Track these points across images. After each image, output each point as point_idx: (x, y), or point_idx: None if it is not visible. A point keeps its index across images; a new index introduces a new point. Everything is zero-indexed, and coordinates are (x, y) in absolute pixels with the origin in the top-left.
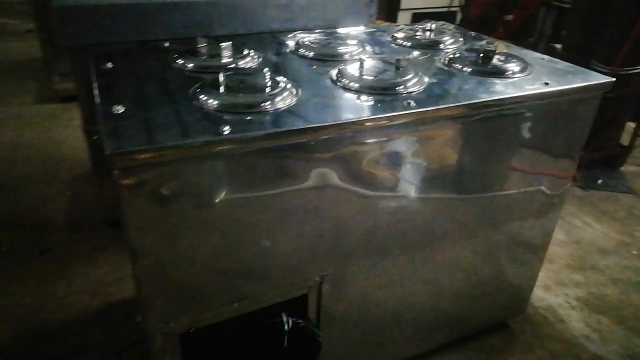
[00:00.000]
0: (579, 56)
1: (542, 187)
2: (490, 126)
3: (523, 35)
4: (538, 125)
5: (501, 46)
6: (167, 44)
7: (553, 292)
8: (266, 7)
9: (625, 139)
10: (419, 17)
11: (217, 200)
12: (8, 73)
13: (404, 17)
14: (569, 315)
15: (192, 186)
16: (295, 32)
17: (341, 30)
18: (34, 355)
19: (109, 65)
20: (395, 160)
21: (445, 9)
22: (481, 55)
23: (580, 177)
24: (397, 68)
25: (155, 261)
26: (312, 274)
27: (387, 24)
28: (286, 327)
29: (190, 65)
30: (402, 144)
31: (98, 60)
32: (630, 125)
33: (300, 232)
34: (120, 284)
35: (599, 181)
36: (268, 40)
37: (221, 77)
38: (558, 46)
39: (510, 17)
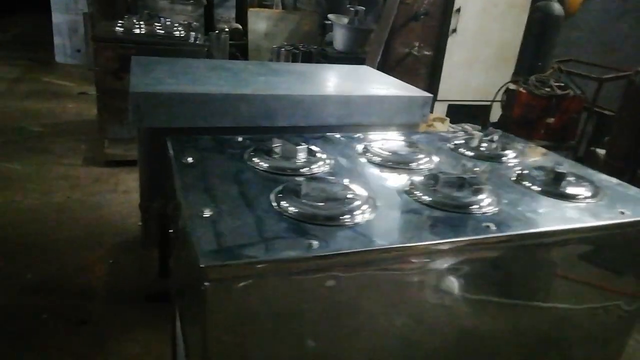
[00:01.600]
0: (625, 164)
1: (610, 313)
2: (561, 252)
3: (564, 138)
4: (612, 252)
5: (568, 165)
6: (240, 139)
7: None
8: (326, 103)
9: None
10: (454, 109)
11: (297, 319)
12: (61, 134)
13: (440, 108)
14: None
15: (275, 302)
16: (358, 134)
17: (400, 135)
18: None
19: (190, 160)
20: (470, 283)
21: (483, 103)
22: (552, 176)
23: None
24: (471, 185)
25: None
26: None
27: (433, 119)
28: None
29: (266, 165)
30: (480, 266)
31: (177, 154)
32: None
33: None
34: None
35: None
36: (335, 141)
37: (304, 187)
38: (600, 151)
39: (552, 120)
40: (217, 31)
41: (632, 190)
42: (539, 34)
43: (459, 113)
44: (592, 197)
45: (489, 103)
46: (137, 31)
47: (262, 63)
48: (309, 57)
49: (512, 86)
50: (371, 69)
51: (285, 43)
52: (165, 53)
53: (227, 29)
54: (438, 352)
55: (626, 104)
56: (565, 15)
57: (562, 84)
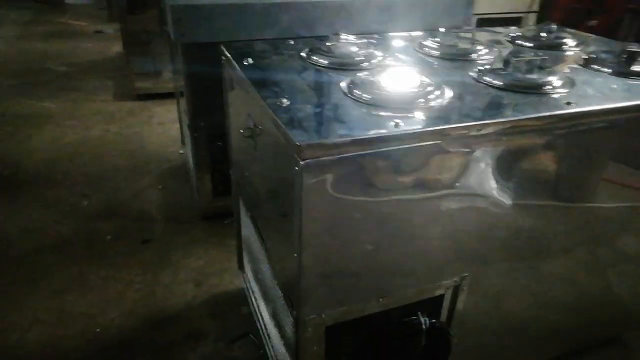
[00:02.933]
0: None
1: None
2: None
3: None
4: None
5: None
6: (292, 42)
7: None
8: (367, 8)
9: None
10: (484, 23)
11: (382, 197)
12: (86, 72)
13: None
14: None
15: (364, 181)
16: (408, 33)
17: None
18: (150, 339)
19: (250, 60)
20: (546, 163)
21: (513, 15)
22: (624, 56)
23: None
24: (541, 67)
25: (320, 252)
26: (452, 275)
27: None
28: (424, 326)
29: (325, 62)
30: (556, 146)
31: (236, 57)
32: None
33: (445, 235)
34: (222, 276)
35: None
36: (388, 40)
37: (370, 76)
38: None
39: (594, 22)
40: None
41: None
42: None
43: (484, 27)
44: None
45: (521, 14)
46: None
47: None
48: None
49: None
50: None
51: None
52: None
53: None
54: (503, 242)
55: None
56: None
57: None
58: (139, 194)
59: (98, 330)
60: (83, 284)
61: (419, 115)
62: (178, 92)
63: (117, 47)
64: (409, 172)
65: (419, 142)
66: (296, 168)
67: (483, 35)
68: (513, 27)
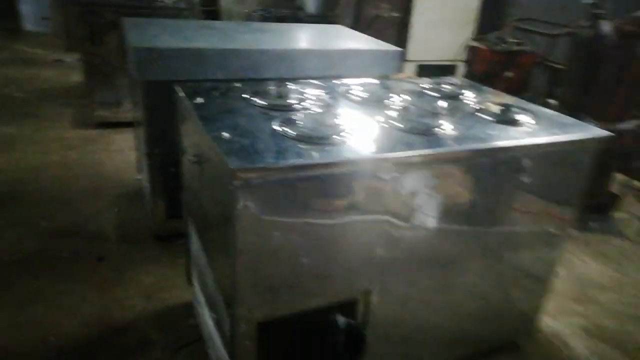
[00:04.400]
0: (572, 111)
1: (548, 227)
2: (506, 168)
3: (521, 91)
4: (544, 170)
5: (510, 100)
6: (238, 85)
7: (558, 320)
8: (308, 56)
9: (614, 189)
10: (422, 69)
11: (302, 215)
12: (45, 99)
13: (409, 68)
14: (572, 341)
15: (287, 200)
16: (341, 80)
17: (379, 81)
18: (104, 347)
19: (200, 99)
20: (429, 194)
21: (449, 63)
22: (502, 107)
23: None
24: (434, 114)
25: (252, 259)
26: (364, 282)
27: (405, 75)
28: (341, 326)
29: (264, 103)
30: (439, 179)
31: (188, 96)
32: (619, 176)
33: (357, 249)
34: (171, 291)
35: (593, 224)
36: (320, 86)
37: (298, 115)
38: (552, 101)
39: (510, 74)
40: None
41: (568, 119)
42: None
43: (427, 73)
44: (534, 124)
45: (454, 62)
46: None
47: (245, 23)
48: (281, 21)
49: (473, 43)
50: (345, 27)
51: (258, 7)
52: (149, 16)
53: None
54: (406, 257)
55: (572, 57)
56: None
57: (518, 41)
58: (96, 215)
59: (52, 338)
60: (40, 297)
61: (333, 149)
62: (136, 122)
63: (75, 76)
64: (324, 195)
65: (330, 170)
66: (231, 187)
67: (402, 85)
68: (428, 79)
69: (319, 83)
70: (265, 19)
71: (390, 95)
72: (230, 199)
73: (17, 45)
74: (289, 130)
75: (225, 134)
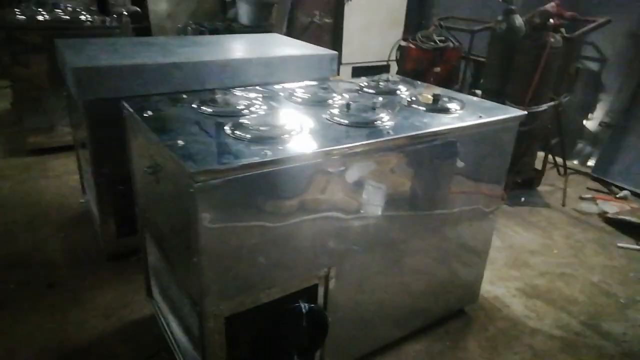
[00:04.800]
0: (495, 99)
1: (481, 204)
2: (440, 152)
3: (449, 84)
4: (474, 151)
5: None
6: (185, 96)
7: (497, 285)
8: (249, 65)
9: (538, 165)
10: (357, 70)
11: (258, 209)
12: None
13: (345, 71)
14: (511, 301)
15: (243, 197)
16: (282, 84)
17: (318, 83)
18: None
19: (150, 112)
20: (374, 182)
21: (382, 63)
22: (433, 98)
23: (507, 197)
24: (374, 108)
25: (215, 257)
26: (321, 267)
27: (339, 77)
28: (304, 311)
29: (212, 110)
30: (380, 166)
31: (137, 111)
32: (541, 154)
33: (313, 236)
34: (130, 307)
35: (522, 199)
36: (263, 92)
37: (247, 120)
38: (478, 91)
39: (438, 69)
40: (115, 15)
41: (488, 103)
42: None
43: (362, 74)
44: (460, 109)
45: (386, 62)
46: (42, 18)
47: (181, 37)
48: (215, 34)
49: (403, 43)
50: (281, 35)
51: (191, 22)
52: (79, 37)
53: (125, 12)
54: (359, 238)
55: (491, 49)
56: None
57: (443, 38)
58: (40, 243)
59: None
60: None
61: (284, 146)
62: (79, 143)
63: (1, 104)
64: (278, 190)
65: (280, 166)
66: (191, 190)
67: (341, 85)
68: (364, 77)
69: (262, 89)
70: (199, 32)
71: (331, 95)
72: (189, 201)
73: None
74: (240, 133)
75: (180, 142)
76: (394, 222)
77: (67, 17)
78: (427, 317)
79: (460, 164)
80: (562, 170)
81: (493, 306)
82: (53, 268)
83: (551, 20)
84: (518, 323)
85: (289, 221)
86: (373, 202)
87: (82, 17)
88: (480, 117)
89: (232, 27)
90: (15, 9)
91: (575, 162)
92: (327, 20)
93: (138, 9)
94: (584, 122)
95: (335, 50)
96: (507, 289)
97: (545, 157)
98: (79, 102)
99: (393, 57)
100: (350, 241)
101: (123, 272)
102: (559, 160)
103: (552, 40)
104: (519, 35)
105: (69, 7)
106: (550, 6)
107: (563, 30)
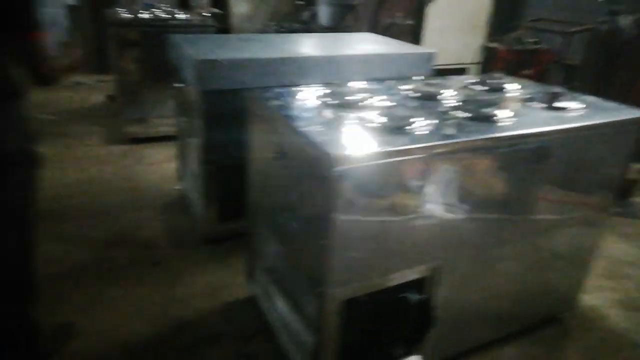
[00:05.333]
0: None
1: (590, 212)
2: (558, 152)
3: None
4: (593, 153)
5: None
6: (301, 88)
7: (593, 295)
8: (352, 61)
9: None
10: (437, 73)
11: (391, 195)
12: (72, 120)
13: None
14: (608, 313)
15: (377, 184)
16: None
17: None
18: (173, 344)
19: (278, 102)
20: (496, 178)
21: (460, 66)
22: (550, 95)
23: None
24: (494, 104)
25: (345, 241)
26: (433, 260)
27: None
28: (413, 301)
29: (336, 102)
30: (503, 164)
31: (264, 100)
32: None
33: (429, 229)
34: (231, 288)
35: (617, 209)
36: (374, 87)
37: (374, 110)
38: None
39: (528, 72)
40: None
41: (608, 104)
42: None
43: (439, 76)
44: (582, 108)
45: (467, 65)
46: (145, 16)
47: (281, 35)
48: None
49: (491, 45)
50: (376, 35)
51: (270, 22)
52: (178, 33)
53: (206, 14)
54: (471, 236)
55: (589, 52)
56: None
57: (535, 40)
58: (142, 225)
59: (124, 338)
60: (103, 302)
61: (416, 136)
62: (185, 133)
63: (96, 97)
64: (409, 178)
65: (413, 155)
66: (330, 175)
67: (446, 82)
68: (469, 76)
69: (369, 85)
70: (280, 33)
71: (442, 91)
72: (326, 187)
73: None
74: (372, 123)
75: (315, 128)
76: (503, 224)
77: (167, 15)
78: (523, 322)
79: (577, 166)
80: None
81: (590, 316)
82: (156, 248)
83: None
84: (618, 335)
85: (415, 210)
86: (489, 202)
87: (178, 16)
88: (606, 116)
89: (311, 28)
90: (118, 8)
91: None
92: (408, 22)
93: (219, 11)
94: None
95: None
96: (604, 299)
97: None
98: (195, 93)
99: (474, 59)
100: (461, 238)
101: (220, 256)
102: None
103: None
104: (624, 37)
105: (163, 6)
106: None
107: None
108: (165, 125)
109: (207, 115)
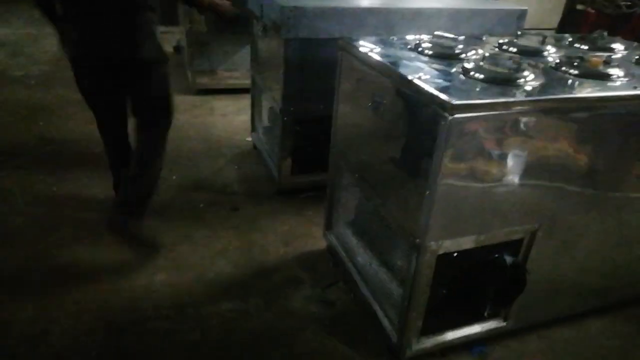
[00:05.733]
0: None
1: None
2: None
3: None
4: None
5: None
6: (395, 39)
7: None
8: (439, 15)
9: None
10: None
11: (494, 152)
12: None
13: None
14: None
15: (486, 137)
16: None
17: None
18: (258, 284)
19: (377, 50)
20: (611, 135)
21: (551, 29)
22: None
23: None
24: (607, 62)
25: (447, 194)
26: (531, 222)
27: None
28: (507, 263)
29: (432, 52)
30: (621, 120)
31: (360, 50)
32: None
33: (530, 189)
34: (305, 239)
35: None
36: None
37: (473, 63)
38: None
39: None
40: None
41: None
42: None
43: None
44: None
45: (547, 31)
46: None
47: None
48: None
49: (579, 7)
50: None
51: None
52: None
53: None
54: (572, 199)
55: None
56: None
57: (629, 3)
58: (219, 172)
59: (212, 275)
60: (190, 240)
61: (524, 90)
62: (260, 84)
63: (166, 47)
64: (518, 132)
65: (527, 108)
66: (443, 123)
67: (548, 39)
68: (568, 35)
69: (465, 38)
70: None
71: (542, 47)
72: (440, 132)
73: None
74: (474, 74)
75: (422, 75)
76: (601, 196)
77: None
78: (614, 297)
79: None
80: None
81: None
82: (233, 194)
83: None
84: None
85: (520, 166)
86: (592, 170)
87: None
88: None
89: None
90: None
91: None
92: None
93: None
94: None
95: None
96: None
97: None
98: (277, 41)
99: (555, 23)
100: (559, 205)
101: (294, 207)
102: None
103: None
104: None
105: None
106: None
107: None
108: (234, 78)
109: (289, 64)
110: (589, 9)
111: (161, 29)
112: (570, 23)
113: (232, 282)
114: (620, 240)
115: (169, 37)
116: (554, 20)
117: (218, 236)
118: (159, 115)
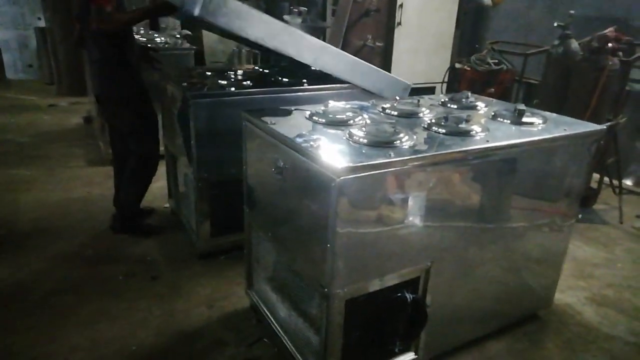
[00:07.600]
0: None
1: (559, 218)
2: (526, 163)
3: None
4: (557, 164)
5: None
6: (292, 109)
7: (566, 294)
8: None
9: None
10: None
11: (385, 202)
12: (50, 142)
13: None
14: (582, 309)
15: (371, 193)
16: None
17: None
18: (180, 352)
19: (273, 121)
20: (474, 187)
21: (430, 84)
22: (516, 112)
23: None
24: (467, 121)
25: (345, 245)
26: (425, 260)
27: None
28: (408, 300)
29: (324, 120)
30: (478, 174)
31: (261, 121)
32: (596, 174)
33: (421, 232)
34: (229, 299)
35: (579, 216)
36: (365, 107)
37: (359, 129)
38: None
39: (491, 90)
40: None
41: (567, 119)
42: (474, 21)
43: (410, 94)
44: (543, 123)
45: (435, 84)
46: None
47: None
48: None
49: (457, 65)
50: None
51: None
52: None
53: (178, 35)
54: (458, 238)
55: (546, 72)
56: (493, 5)
57: (497, 61)
58: (136, 242)
59: (134, 348)
60: (108, 315)
61: (402, 150)
62: (177, 152)
63: (74, 119)
64: (401, 187)
65: (402, 166)
66: (333, 184)
67: (423, 101)
68: (441, 95)
69: (357, 103)
70: (253, 55)
71: (420, 109)
72: (330, 193)
73: (6, 93)
74: (358, 139)
75: (312, 144)
76: (482, 230)
77: (144, 39)
78: (506, 319)
79: (544, 176)
80: (617, 190)
81: (565, 313)
82: (152, 263)
83: (609, 45)
84: (592, 329)
85: (407, 216)
86: (469, 209)
87: (158, 39)
88: (565, 130)
89: None
90: None
91: (629, 182)
92: (378, 44)
93: (190, 32)
94: (636, 143)
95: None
96: (577, 297)
97: (601, 177)
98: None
99: (441, 79)
100: (446, 243)
101: (215, 269)
102: (614, 181)
103: (610, 63)
104: (575, 59)
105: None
106: (609, 31)
107: (621, 54)
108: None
109: (198, 134)
110: (465, 67)
111: (70, 99)
112: (453, 79)
113: (154, 352)
114: (509, 265)
115: (78, 108)
116: (442, 76)
117: (138, 307)
118: (130, 144)
